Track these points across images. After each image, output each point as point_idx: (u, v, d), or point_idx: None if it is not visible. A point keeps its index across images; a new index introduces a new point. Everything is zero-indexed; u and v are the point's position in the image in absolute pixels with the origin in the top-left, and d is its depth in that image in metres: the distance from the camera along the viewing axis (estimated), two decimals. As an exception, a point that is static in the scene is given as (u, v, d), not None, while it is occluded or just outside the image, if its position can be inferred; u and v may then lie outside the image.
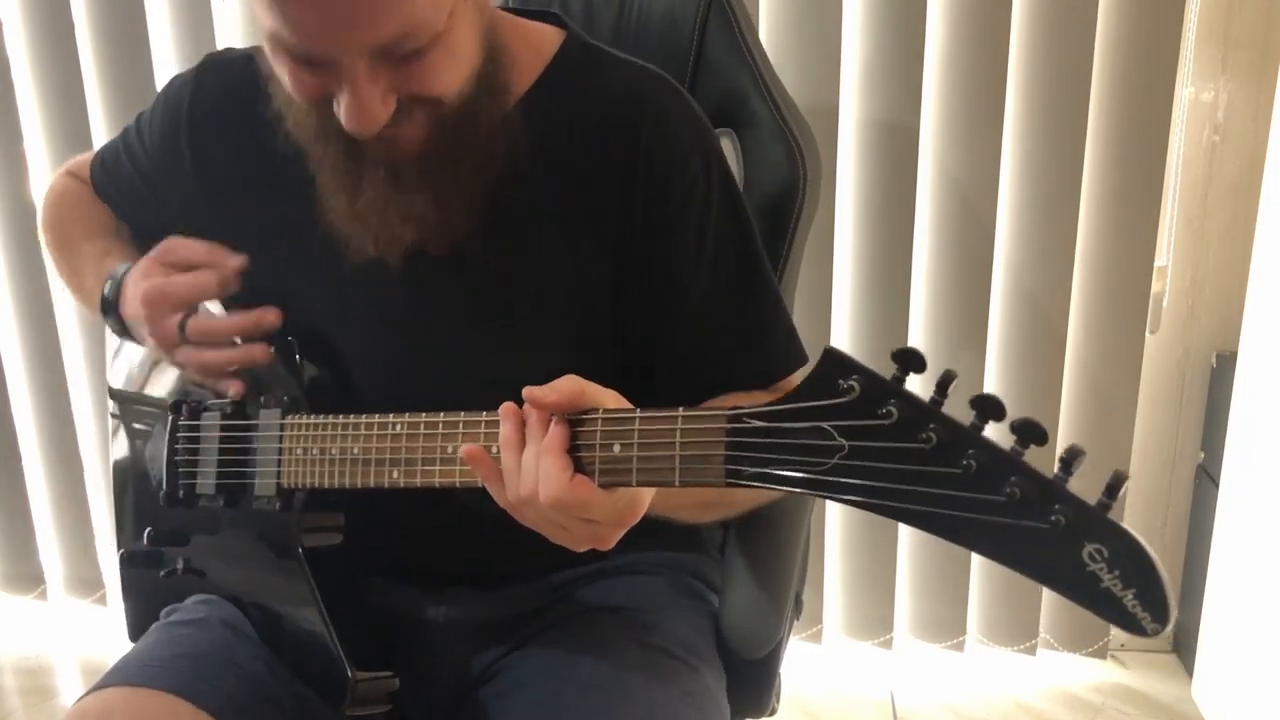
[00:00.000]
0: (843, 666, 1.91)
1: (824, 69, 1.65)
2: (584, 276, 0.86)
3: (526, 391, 0.69)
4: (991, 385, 1.75)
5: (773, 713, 1.07)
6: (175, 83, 0.97)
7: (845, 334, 1.76)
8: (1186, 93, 1.69)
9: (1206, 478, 1.79)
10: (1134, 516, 1.86)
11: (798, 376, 0.90)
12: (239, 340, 0.90)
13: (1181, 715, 1.78)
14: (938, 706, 1.83)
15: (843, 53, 1.65)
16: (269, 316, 0.89)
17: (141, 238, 1.03)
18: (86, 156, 1.07)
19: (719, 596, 1.01)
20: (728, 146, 1.06)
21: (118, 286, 0.93)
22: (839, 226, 1.72)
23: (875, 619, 1.89)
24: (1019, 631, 1.87)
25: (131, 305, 0.91)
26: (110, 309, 0.94)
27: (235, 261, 0.89)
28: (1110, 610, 0.53)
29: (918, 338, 1.75)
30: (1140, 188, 1.65)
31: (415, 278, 0.87)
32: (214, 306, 0.98)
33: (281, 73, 0.76)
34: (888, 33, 1.63)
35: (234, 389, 0.90)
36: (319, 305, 0.91)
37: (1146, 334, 1.72)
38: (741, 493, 0.89)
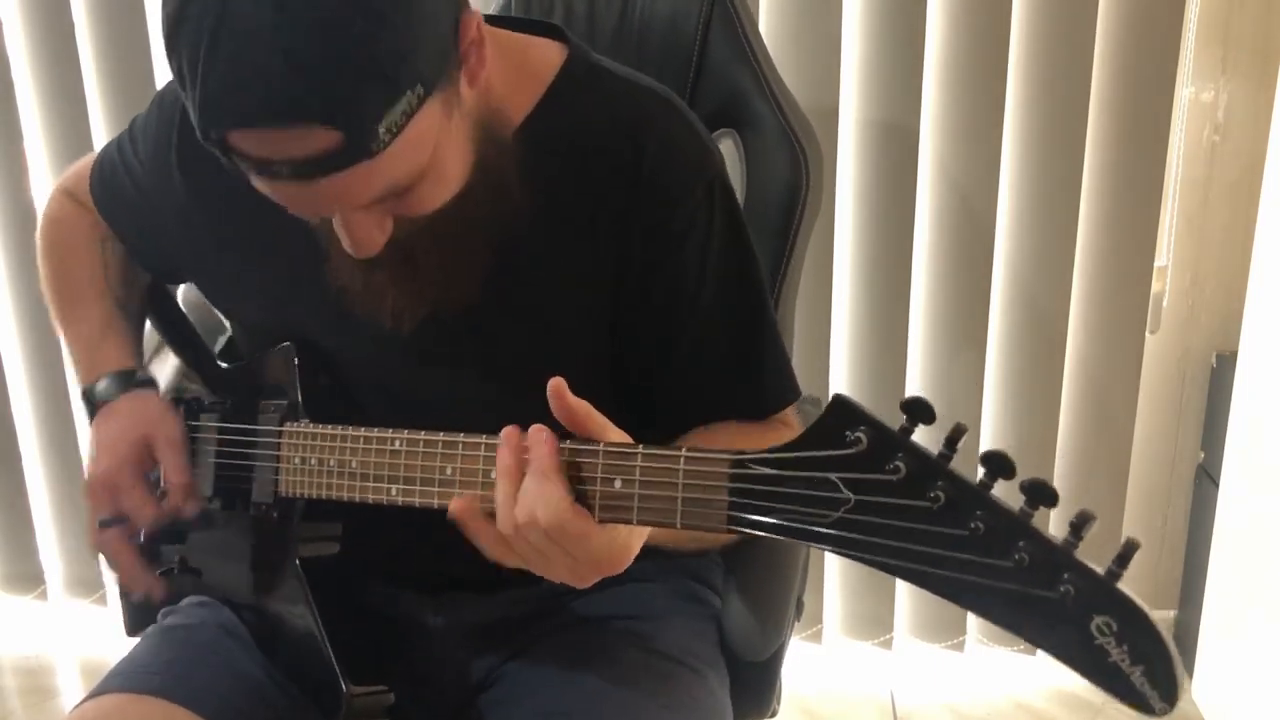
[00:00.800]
0: (843, 666, 1.91)
1: (824, 69, 1.65)
2: (583, 302, 0.85)
3: (554, 383, 0.67)
4: (991, 385, 1.75)
5: (773, 713, 1.07)
6: (170, 90, 0.94)
7: (845, 334, 1.76)
8: (1186, 93, 1.69)
9: (1206, 478, 1.80)
10: (1134, 516, 1.86)
11: (791, 411, 0.89)
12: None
13: (1181, 715, 1.78)
14: (938, 706, 1.83)
15: (843, 53, 1.65)
16: (156, 590, 0.95)
17: (140, 251, 1.03)
18: (84, 167, 1.04)
19: (721, 599, 1.01)
20: (730, 147, 1.06)
21: (111, 397, 0.95)
22: (839, 226, 1.72)
23: (875, 619, 1.89)
24: (1019, 631, 1.87)
25: (103, 441, 0.92)
26: (93, 403, 0.96)
27: (190, 512, 0.92)
28: (1117, 686, 0.51)
29: (917, 338, 1.75)
30: (1140, 188, 1.65)
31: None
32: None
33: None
34: (888, 33, 1.63)
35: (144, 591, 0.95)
36: (318, 324, 0.90)
37: (1146, 334, 1.72)
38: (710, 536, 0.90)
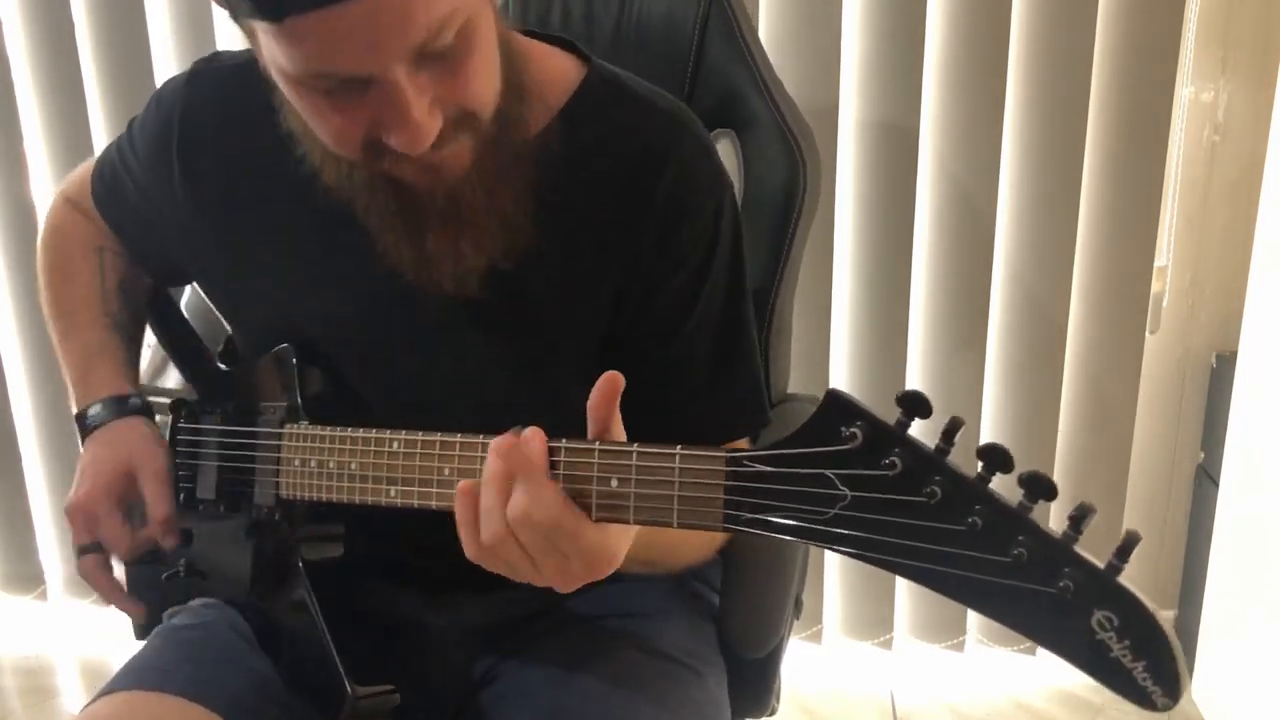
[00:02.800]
0: (843, 666, 1.91)
1: (824, 69, 1.65)
2: (585, 312, 0.86)
3: (613, 376, 0.66)
4: (991, 385, 1.75)
5: (773, 712, 1.07)
6: (166, 89, 0.94)
7: (845, 335, 1.76)
8: (1186, 93, 1.69)
9: (1206, 478, 1.79)
10: (1134, 516, 1.86)
11: (745, 443, 0.89)
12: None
13: (1181, 715, 1.78)
14: (938, 706, 1.83)
15: (843, 53, 1.65)
16: (137, 614, 0.99)
17: (143, 253, 1.03)
18: (85, 173, 1.03)
19: (719, 596, 1.01)
20: (728, 147, 1.06)
21: (101, 422, 0.95)
22: (839, 226, 1.72)
23: (875, 619, 1.89)
24: (1019, 631, 1.87)
25: (87, 469, 0.93)
26: (84, 428, 0.96)
27: (168, 545, 0.93)
28: (1118, 682, 0.51)
29: (917, 338, 1.75)
30: (1140, 188, 1.65)
31: (451, 307, 0.85)
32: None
33: (318, 123, 0.73)
34: (888, 33, 1.63)
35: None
36: (318, 318, 0.90)
37: (1146, 334, 1.72)
38: (685, 550, 0.90)
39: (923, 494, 0.54)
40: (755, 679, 1.02)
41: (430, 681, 0.93)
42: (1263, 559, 1.54)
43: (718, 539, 0.91)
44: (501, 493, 0.67)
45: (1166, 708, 0.50)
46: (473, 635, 0.95)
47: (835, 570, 1.89)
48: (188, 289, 1.11)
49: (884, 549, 0.55)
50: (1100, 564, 0.51)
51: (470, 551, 0.70)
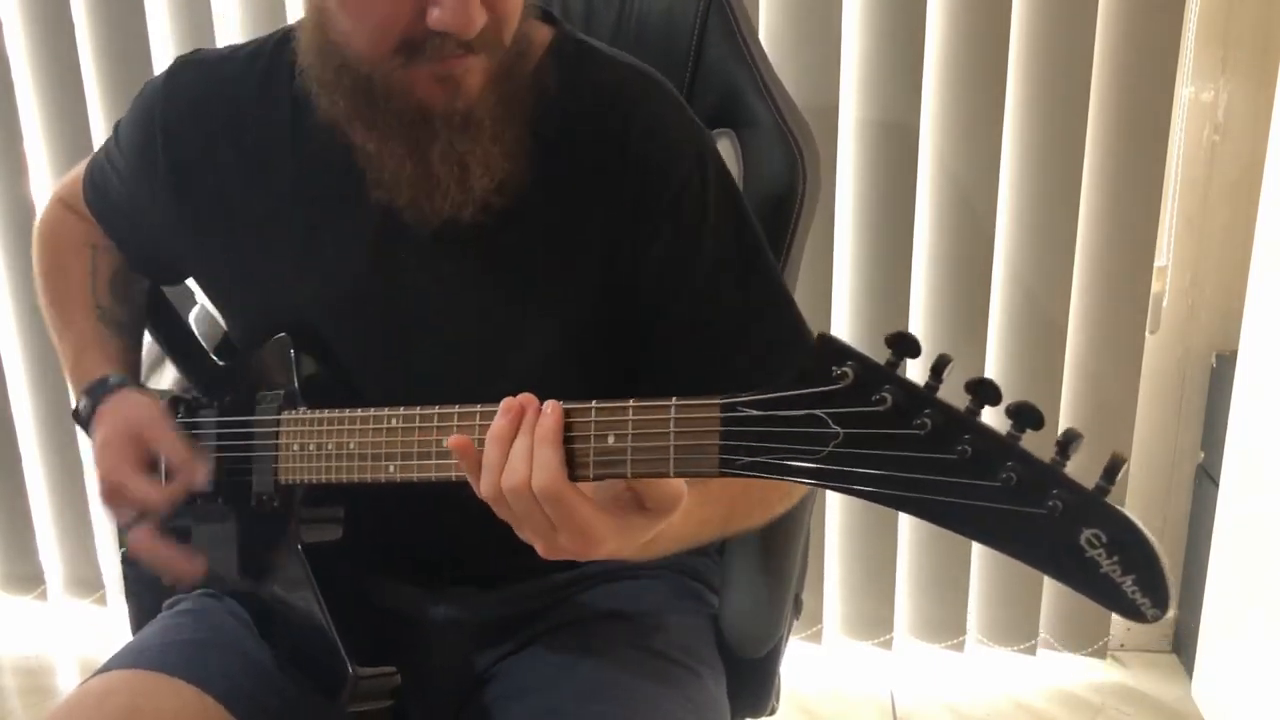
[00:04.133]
0: (843, 666, 1.91)
1: (824, 69, 1.65)
2: (576, 272, 0.86)
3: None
4: (991, 385, 1.75)
5: (772, 712, 1.07)
6: (147, 88, 0.95)
7: (845, 335, 1.76)
8: (1186, 93, 1.69)
9: (1206, 478, 1.79)
10: (1134, 516, 1.85)
11: None
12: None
13: (1181, 715, 1.78)
14: (938, 706, 1.83)
15: (843, 53, 1.65)
16: (199, 567, 0.92)
17: (136, 255, 1.04)
18: (77, 175, 1.05)
19: (718, 597, 1.01)
20: (727, 147, 1.06)
21: (92, 410, 0.95)
22: (839, 226, 1.72)
23: (875, 619, 1.89)
24: (1019, 631, 1.87)
25: (97, 453, 0.93)
26: (82, 423, 0.96)
27: (200, 478, 0.91)
28: (1109, 597, 0.53)
29: (917, 337, 1.74)
30: (1140, 188, 1.65)
31: (442, 250, 0.86)
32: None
33: (365, 7, 0.76)
34: (888, 33, 1.63)
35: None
36: (311, 294, 0.90)
37: (1146, 334, 1.72)
38: (741, 514, 0.89)
39: (913, 426, 0.56)
40: (755, 679, 1.02)
41: (430, 678, 0.94)
42: (1263, 559, 1.54)
43: (796, 491, 0.89)
44: (503, 449, 0.68)
45: (1156, 618, 0.52)
46: (473, 632, 0.95)
47: (835, 570, 1.89)
48: (196, 304, 1.12)
49: (877, 482, 0.57)
50: (1088, 486, 0.53)
51: (481, 492, 0.71)
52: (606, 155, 0.84)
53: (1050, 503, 0.53)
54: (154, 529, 0.92)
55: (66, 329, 1.02)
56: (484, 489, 0.69)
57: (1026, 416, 0.53)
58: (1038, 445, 0.55)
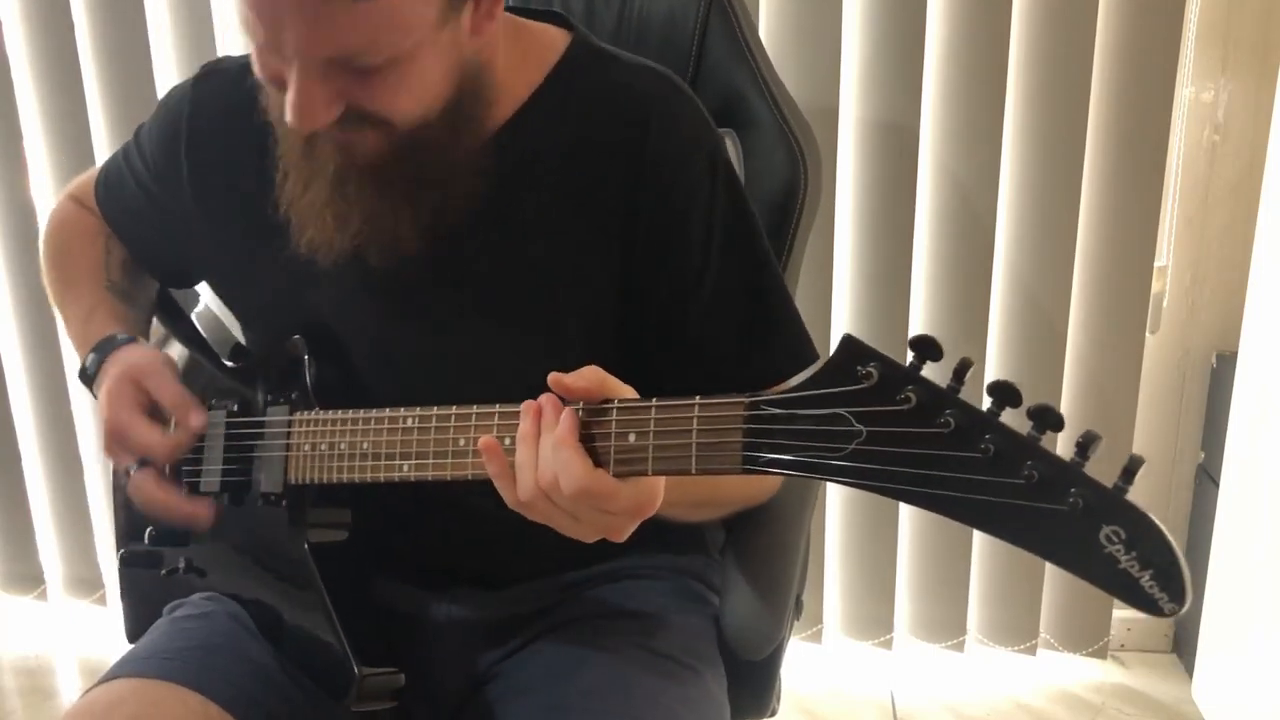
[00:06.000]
0: (843, 666, 1.91)
1: (824, 69, 1.65)
2: (591, 277, 0.87)
3: (553, 377, 0.69)
4: (991, 385, 1.75)
5: (773, 713, 1.07)
6: (175, 93, 0.98)
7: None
8: (1186, 93, 1.69)
9: (1206, 478, 1.80)
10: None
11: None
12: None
13: (1181, 715, 1.78)
14: (938, 706, 1.83)
15: (843, 53, 1.65)
16: (202, 512, 0.91)
17: (147, 257, 1.05)
18: (90, 176, 1.07)
19: (720, 598, 1.01)
20: (729, 147, 1.07)
21: (99, 364, 0.94)
22: (839, 226, 1.72)
23: (875, 619, 1.89)
24: (1019, 631, 1.87)
25: (101, 400, 0.92)
26: (89, 381, 0.96)
27: (197, 422, 0.90)
28: (1128, 591, 0.54)
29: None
30: (1140, 188, 1.65)
31: (406, 287, 0.87)
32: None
33: (248, 47, 0.77)
34: (888, 33, 1.63)
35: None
36: (326, 307, 0.91)
37: (1146, 334, 1.72)
38: (730, 491, 0.90)
39: (937, 425, 0.57)
40: (755, 679, 1.02)
41: (432, 676, 0.94)
42: (1263, 559, 1.54)
43: (770, 484, 0.92)
44: (533, 449, 0.70)
45: (1173, 612, 0.54)
46: (476, 631, 0.95)
47: (835, 570, 1.89)
48: (200, 303, 1.12)
49: (900, 479, 0.58)
50: (1107, 484, 0.54)
51: (510, 502, 0.72)
52: (622, 164, 0.85)
53: (1071, 499, 0.54)
54: (152, 474, 0.92)
55: (74, 298, 1.02)
56: (521, 491, 0.70)
57: (1046, 417, 0.55)
58: (1044, 444, 0.56)
